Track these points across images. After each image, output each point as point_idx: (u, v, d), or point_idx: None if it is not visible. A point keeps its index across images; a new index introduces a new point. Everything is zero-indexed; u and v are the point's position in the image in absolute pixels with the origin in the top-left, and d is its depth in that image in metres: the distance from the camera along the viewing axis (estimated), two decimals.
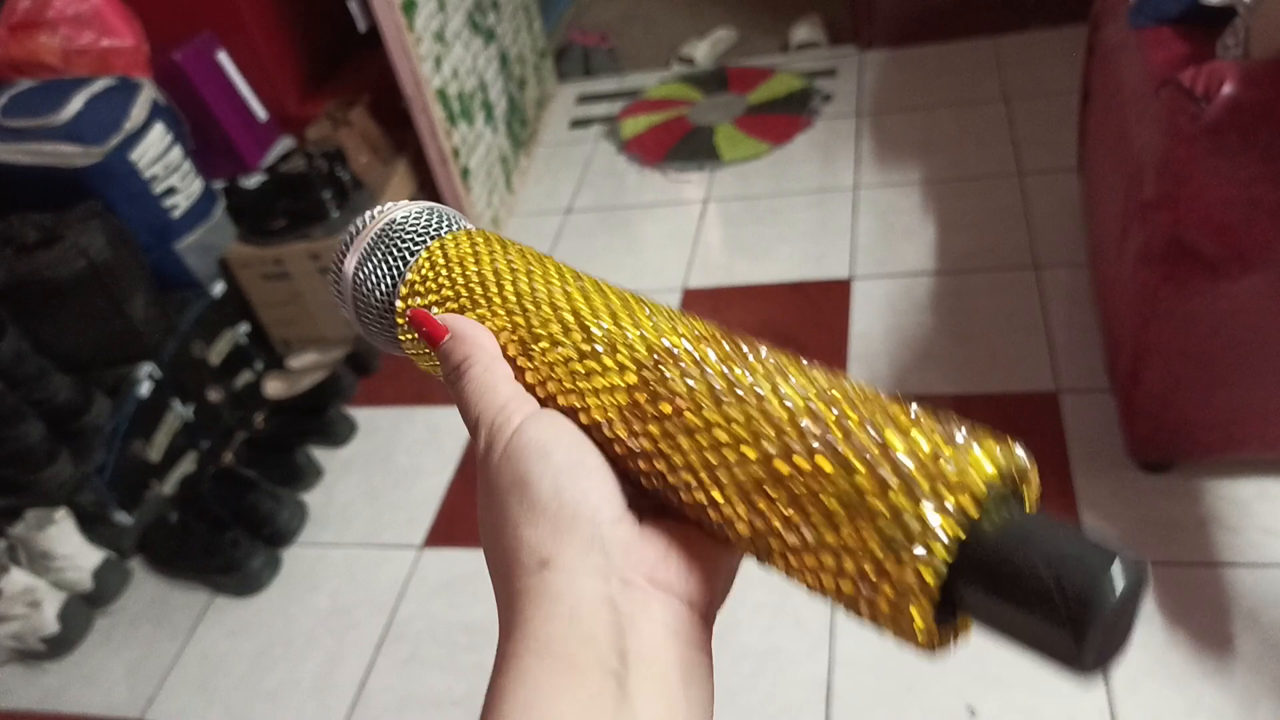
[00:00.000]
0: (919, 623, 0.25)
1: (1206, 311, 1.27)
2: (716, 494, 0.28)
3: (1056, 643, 0.23)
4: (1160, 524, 1.44)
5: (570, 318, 0.34)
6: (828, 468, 0.26)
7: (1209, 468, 1.49)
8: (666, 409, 0.30)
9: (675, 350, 0.31)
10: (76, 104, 1.73)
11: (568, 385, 0.32)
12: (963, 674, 1.34)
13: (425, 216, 0.40)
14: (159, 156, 1.86)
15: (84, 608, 1.73)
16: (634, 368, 0.31)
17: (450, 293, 0.37)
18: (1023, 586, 0.23)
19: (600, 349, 0.32)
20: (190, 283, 1.99)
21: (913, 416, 0.27)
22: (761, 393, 0.29)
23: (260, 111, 2.22)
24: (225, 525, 1.73)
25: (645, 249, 2.35)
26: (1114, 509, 1.48)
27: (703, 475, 0.29)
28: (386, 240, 0.39)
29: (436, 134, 2.12)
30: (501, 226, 2.47)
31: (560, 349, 0.33)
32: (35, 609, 1.65)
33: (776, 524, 0.27)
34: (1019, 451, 0.26)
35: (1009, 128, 2.35)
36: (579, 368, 0.32)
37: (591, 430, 0.32)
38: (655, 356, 0.31)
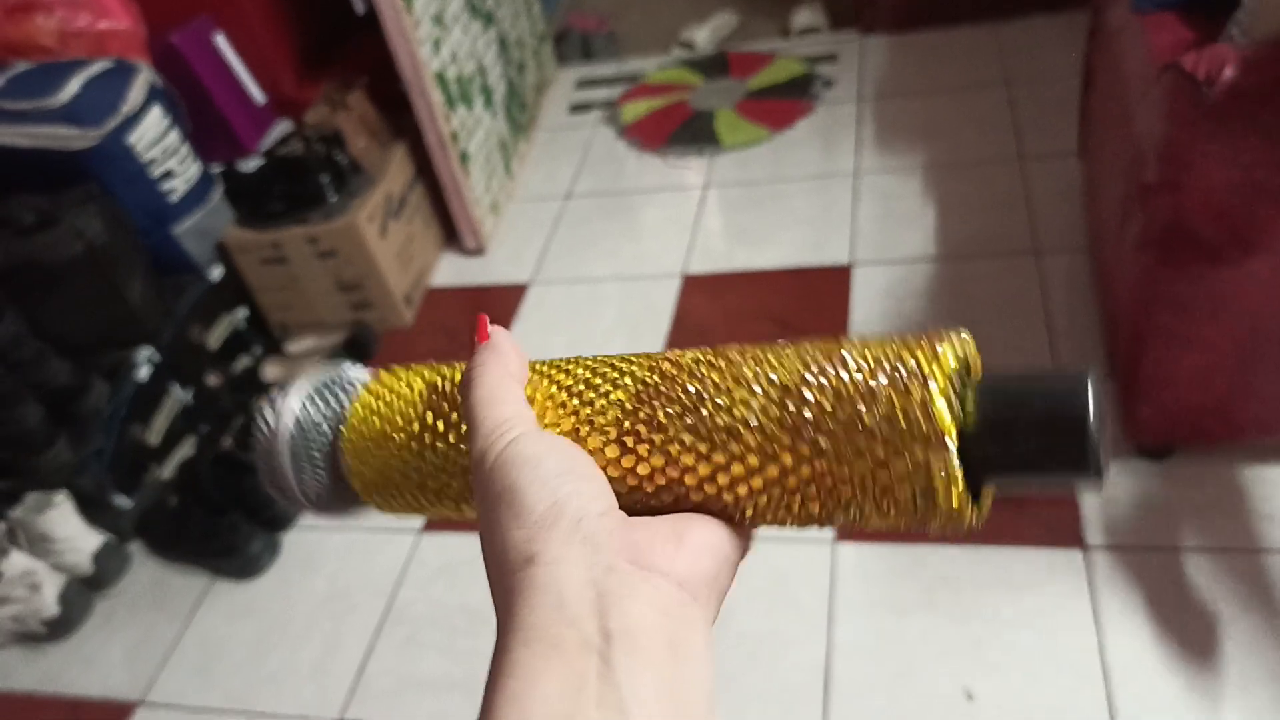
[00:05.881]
0: (956, 488, 0.28)
1: (1206, 296, 1.27)
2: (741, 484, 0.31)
3: (1074, 462, 0.27)
4: (1159, 509, 1.44)
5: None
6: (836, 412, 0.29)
7: (1209, 453, 1.49)
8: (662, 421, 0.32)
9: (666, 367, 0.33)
10: (74, 86, 1.72)
11: (576, 419, 0.34)
12: (960, 658, 1.35)
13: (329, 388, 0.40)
14: (156, 139, 1.85)
15: (84, 590, 1.73)
16: (632, 388, 0.33)
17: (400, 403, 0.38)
18: (1031, 431, 0.28)
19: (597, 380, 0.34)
20: (188, 267, 1.99)
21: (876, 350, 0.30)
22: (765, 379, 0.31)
23: (258, 94, 2.21)
24: (224, 509, 1.73)
25: (645, 235, 2.34)
26: (1114, 495, 1.48)
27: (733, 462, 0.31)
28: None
29: (435, 118, 2.11)
30: (501, 211, 2.47)
31: (554, 385, 0.35)
32: (35, 591, 1.65)
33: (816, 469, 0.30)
34: (963, 334, 0.31)
35: (1010, 113, 2.34)
36: (577, 400, 0.34)
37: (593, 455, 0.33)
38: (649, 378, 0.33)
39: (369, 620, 1.61)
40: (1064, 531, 1.45)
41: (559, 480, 0.30)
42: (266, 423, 0.39)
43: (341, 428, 0.39)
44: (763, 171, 2.41)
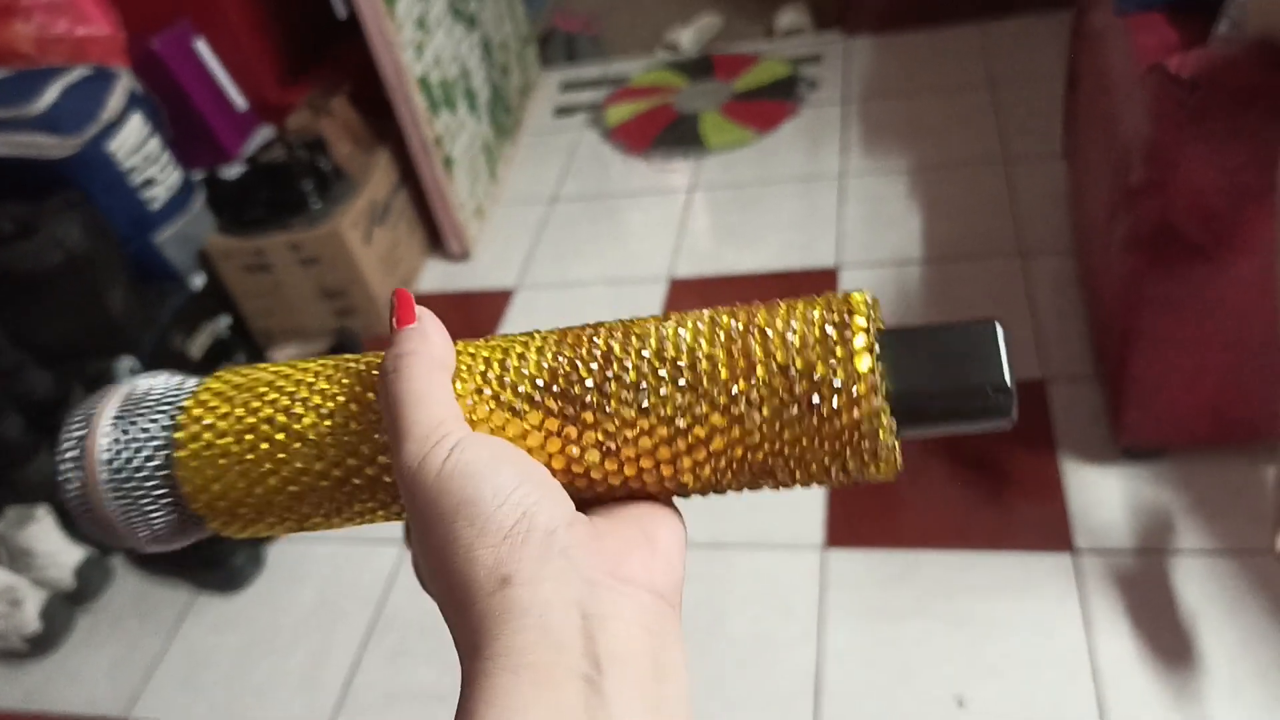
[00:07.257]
0: (887, 440, 0.29)
1: (1194, 298, 1.27)
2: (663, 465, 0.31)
3: (990, 408, 0.29)
4: (1148, 512, 1.44)
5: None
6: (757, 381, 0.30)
7: (1197, 455, 1.49)
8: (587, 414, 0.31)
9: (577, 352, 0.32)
10: (52, 94, 1.70)
11: (498, 415, 0.31)
12: (952, 664, 1.34)
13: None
14: (137, 147, 1.83)
15: (66, 606, 1.71)
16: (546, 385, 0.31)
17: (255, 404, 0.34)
18: (947, 380, 0.29)
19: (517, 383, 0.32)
20: (170, 275, 1.97)
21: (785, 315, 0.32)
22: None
23: (239, 101, 2.19)
24: None
25: (631, 238, 2.33)
26: (1102, 497, 1.47)
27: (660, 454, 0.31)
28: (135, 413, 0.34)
29: (418, 123, 2.10)
30: (486, 216, 2.45)
31: (473, 384, 0.32)
32: (16, 607, 1.63)
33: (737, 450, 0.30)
34: (860, 292, 0.31)
35: (995, 114, 2.35)
36: (500, 402, 0.32)
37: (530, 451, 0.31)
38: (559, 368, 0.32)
39: (356, 631, 1.60)
40: (1053, 535, 1.45)
41: (520, 490, 0.28)
42: (72, 463, 0.33)
43: (174, 451, 0.33)
44: (748, 174, 2.40)
